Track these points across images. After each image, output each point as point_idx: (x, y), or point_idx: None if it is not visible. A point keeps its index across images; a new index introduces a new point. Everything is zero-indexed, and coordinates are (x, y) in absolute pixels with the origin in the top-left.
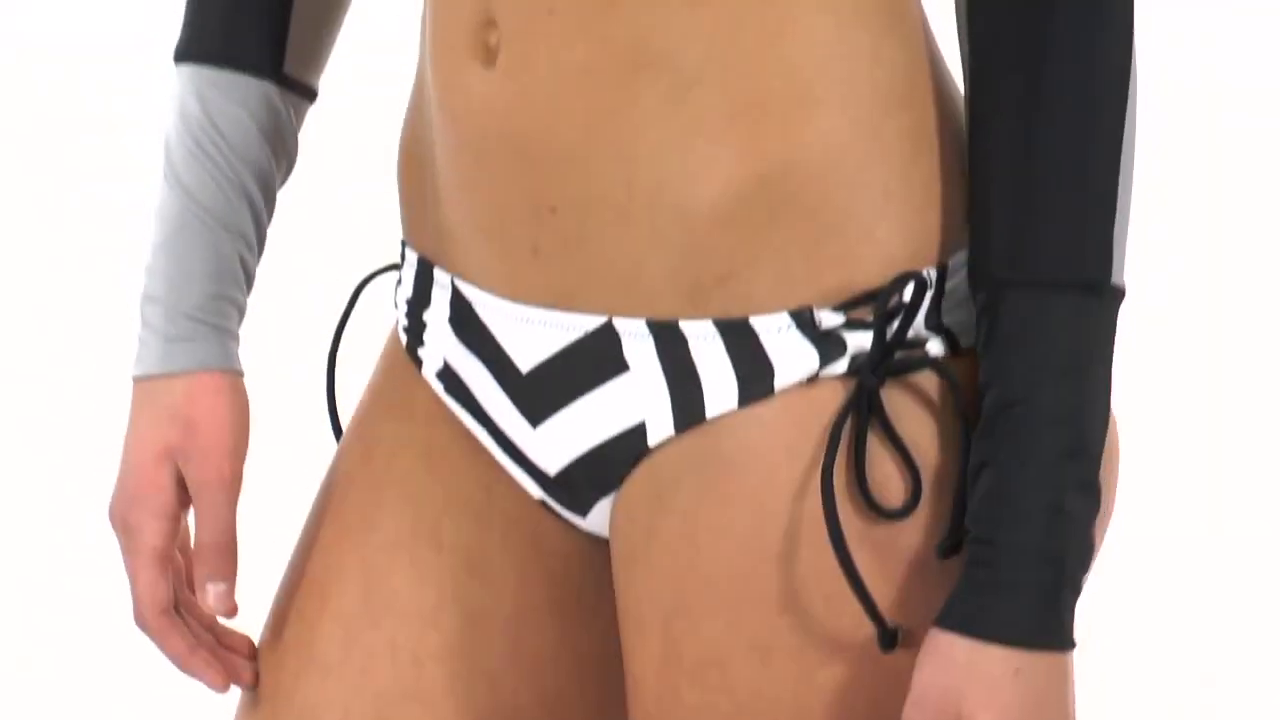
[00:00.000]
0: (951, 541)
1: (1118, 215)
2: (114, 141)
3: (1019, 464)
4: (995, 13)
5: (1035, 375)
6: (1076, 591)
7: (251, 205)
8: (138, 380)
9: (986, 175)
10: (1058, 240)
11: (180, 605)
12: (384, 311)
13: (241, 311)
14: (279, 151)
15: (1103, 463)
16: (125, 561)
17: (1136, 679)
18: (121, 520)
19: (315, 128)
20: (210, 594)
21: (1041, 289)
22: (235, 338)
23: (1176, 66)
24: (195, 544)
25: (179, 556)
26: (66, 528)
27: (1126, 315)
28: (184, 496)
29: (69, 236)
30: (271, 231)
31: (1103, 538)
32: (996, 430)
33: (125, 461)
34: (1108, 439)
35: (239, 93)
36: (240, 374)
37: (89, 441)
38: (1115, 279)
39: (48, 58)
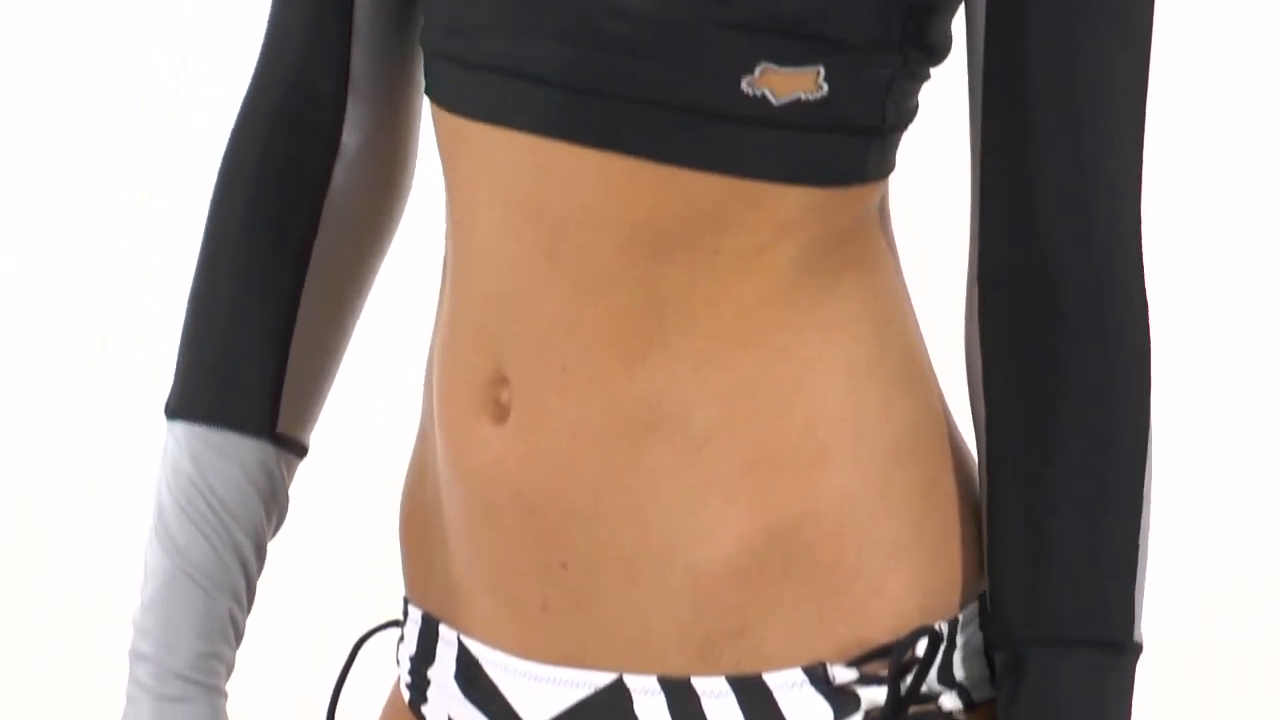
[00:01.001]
0: None
1: (1139, 572)
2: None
3: None
4: (1008, 375)
5: None
6: None
7: (244, 563)
8: None
9: (1003, 533)
10: (1079, 601)
11: None
12: (384, 666)
13: (229, 668)
14: (271, 509)
15: None
16: None
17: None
18: None
19: (315, 483)
20: None
21: (1063, 647)
22: (224, 694)
23: (1175, 61)
24: None
25: None
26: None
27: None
28: None
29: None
30: (269, 589)
31: None
32: None
33: None
34: None
35: (233, 452)
36: None
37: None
38: (1136, 636)
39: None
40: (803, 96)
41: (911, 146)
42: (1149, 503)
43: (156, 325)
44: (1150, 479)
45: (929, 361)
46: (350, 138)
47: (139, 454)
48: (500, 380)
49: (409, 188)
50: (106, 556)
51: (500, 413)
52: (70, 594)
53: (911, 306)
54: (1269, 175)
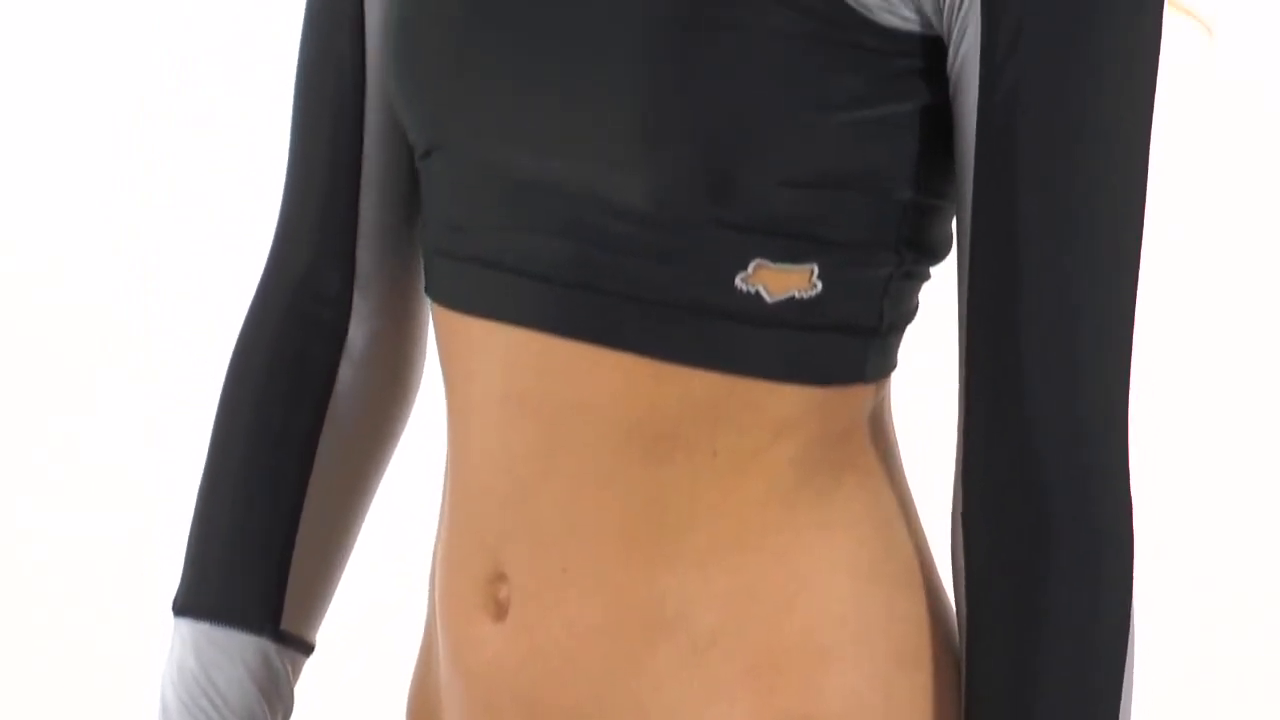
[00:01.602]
0: None
1: None
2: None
3: None
4: (990, 575)
5: None
6: None
7: None
8: None
9: None
10: None
11: None
12: None
13: None
14: (275, 706)
15: None
16: None
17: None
18: None
19: (319, 679)
20: None
21: None
22: None
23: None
24: None
25: None
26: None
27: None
28: None
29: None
30: None
31: None
32: None
33: None
34: None
35: (237, 650)
36: None
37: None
38: None
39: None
40: (797, 295)
41: (913, 341)
42: (1130, 691)
43: (156, 325)
44: (1132, 676)
45: (933, 561)
46: (357, 334)
47: (139, 454)
48: (499, 577)
49: (417, 385)
50: (106, 557)
51: (499, 610)
52: (70, 594)
53: (914, 505)
54: (1270, 185)
